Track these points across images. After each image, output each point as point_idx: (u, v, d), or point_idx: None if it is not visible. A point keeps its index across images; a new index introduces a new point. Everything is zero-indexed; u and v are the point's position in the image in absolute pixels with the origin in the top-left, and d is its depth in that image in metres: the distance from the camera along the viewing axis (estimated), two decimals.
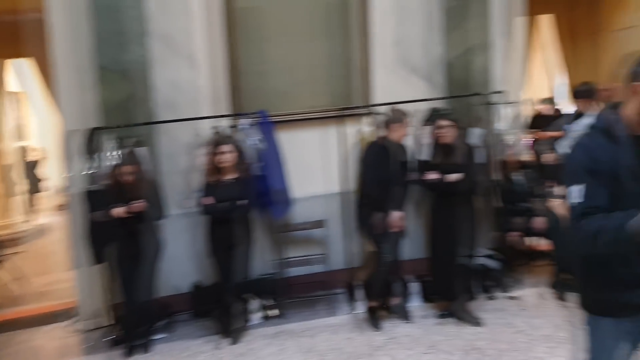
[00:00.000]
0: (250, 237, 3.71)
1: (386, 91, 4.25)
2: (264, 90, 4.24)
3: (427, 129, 3.94)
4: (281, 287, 4.02)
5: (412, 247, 4.11)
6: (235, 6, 4.14)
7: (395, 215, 3.59)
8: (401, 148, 3.76)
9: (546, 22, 6.66)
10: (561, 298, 3.88)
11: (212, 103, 4.04)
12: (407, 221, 3.74)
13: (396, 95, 4.10)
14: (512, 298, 4.00)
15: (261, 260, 4.07)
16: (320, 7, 4.33)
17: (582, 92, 4.32)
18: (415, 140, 4.03)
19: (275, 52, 4.26)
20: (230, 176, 3.62)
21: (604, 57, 5.71)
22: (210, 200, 3.54)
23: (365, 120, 4.15)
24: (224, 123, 3.95)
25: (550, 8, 6.33)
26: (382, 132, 3.74)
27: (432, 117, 3.99)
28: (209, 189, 3.59)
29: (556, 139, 4.79)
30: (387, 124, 3.71)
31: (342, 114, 4.13)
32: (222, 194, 3.55)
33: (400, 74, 4.38)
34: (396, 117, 3.70)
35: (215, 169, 3.62)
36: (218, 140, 3.67)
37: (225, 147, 3.60)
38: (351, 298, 4.00)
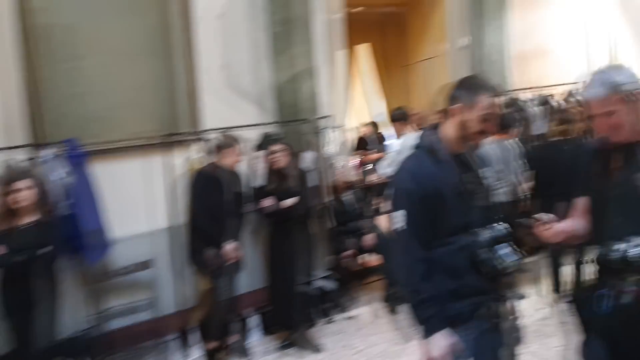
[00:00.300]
0: (57, 291, 3.11)
1: (215, 116, 4.05)
2: (74, 116, 3.67)
3: (260, 155, 3.86)
4: (100, 343, 3.46)
5: (250, 278, 3.94)
6: (36, 23, 3.52)
7: (230, 247, 3.39)
8: (234, 175, 3.60)
9: (364, 52, 7.24)
10: (394, 311, 4.09)
11: (2, 132, 3.37)
12: (243, 252, 3.57)
13: (226, 120, 3.93)
14: (349, 318, 4.09)
15: (73, 316, 3.45)
16: (141, 26, 3.96)
17: (397, 116, 4.67)
18: (249, 166, 3.91)
19: (88, 73, 3.74)
20: (28, 219, 3.01)
21: (414, 84, 6.37)
22: (1, 251, 2.89)
23: (195, 147, 3.89)
24: (19, 156, 3.31)
25: (367, 39, 6.88)
26: (213, 159, 3.54)
27: (265, 142, 3.93)
28: (0, 236, 2.93)
29: (379, 159, 5.15)
30: (218, 150, 3.53)
31: (168, 140, 3.80)
32: (17, 241, 2.92)
33: (230, 99, 4.23)
34: (227, 143, 3.54)
35: (8, 211, 2.98)
36: (11, 177, 3.04)
37: (21, 184, 2.99)
38: (185, 343, 3.64)
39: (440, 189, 1.69)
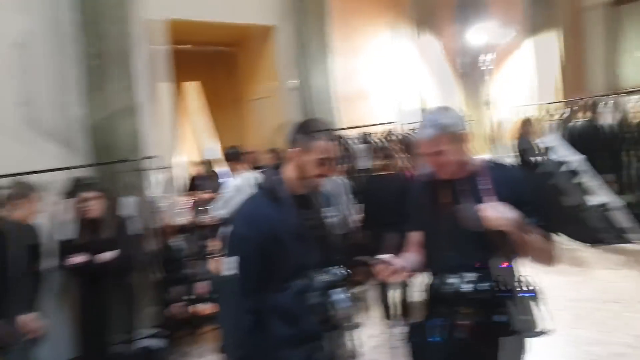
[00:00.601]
0: None
1: (9, 159, 3.47)
2: None
3: (69, 203, 3.38)
4: None
5: (54, 349, 3.34)
6: None
7: (25, 319, 2.83)
8: (29, 229, 3.06)
9: (194, 89, 7.05)
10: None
11: None
12: (44, 321, 3.01)
13: (24, 163, 3.39)
14: None
15: None
16: None
17: (230, 155, 4.54)
18: (52, 217, 3.39)
19: None
20: None
21: (246, 122, 6.37)
22: None
23: None
24: None
25: (196, 76, 6.73)
26: (1, 212, 2.97)
27: (74, 188, 3.46)
28: None
29: (213, 199, 4.93)
30: (9, 200, 2.98)
31: None
32: None
33: (29, 139, 3.68)
34: (20, 192, 3.03)
35: None
36: None
37: None
38: None
39: (278, 232, 1.65)
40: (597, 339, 3.49)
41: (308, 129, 1.74)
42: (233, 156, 4.49)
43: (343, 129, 5.75)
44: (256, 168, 4.72)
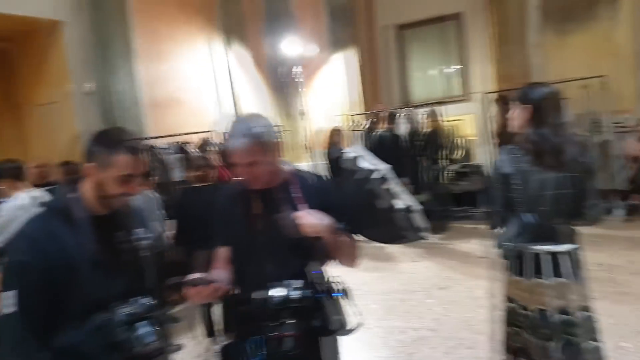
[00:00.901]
0: None
1: None
2: None
3: None
4: None
5: None
6: None
7: None
8: None
9: None
10: None
11: None
12: None
13: None
14: None
15: None
16: None
17: (7, 171, 3.84)
18: None
19: None
20: None
21: (30, 132, 5.47)
22: None
23: None
24: None
25: None
26: None
27: None
28: None
29: None
30: None
31: None
32: None
33: None
34: None
35: None
36: None
37: None
38: None
39: (71, 259, 1.45)
40: (405, 326, 3.79)
41: (107, 140, 1.54)
42: (10, 172, 3.81)
43: (152, 138, 5.32)
44: (44, 185, 4.08)
